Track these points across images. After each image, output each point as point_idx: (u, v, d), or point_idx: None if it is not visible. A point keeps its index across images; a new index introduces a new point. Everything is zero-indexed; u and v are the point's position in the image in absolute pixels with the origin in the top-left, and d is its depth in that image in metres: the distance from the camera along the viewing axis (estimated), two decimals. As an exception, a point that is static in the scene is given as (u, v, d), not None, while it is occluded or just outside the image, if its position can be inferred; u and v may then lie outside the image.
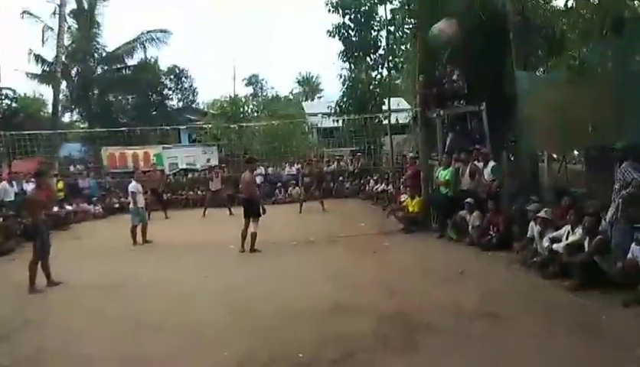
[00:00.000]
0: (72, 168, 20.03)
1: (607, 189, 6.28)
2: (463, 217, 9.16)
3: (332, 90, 55.93)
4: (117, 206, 16.91)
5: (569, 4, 6.58)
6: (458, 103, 10.80)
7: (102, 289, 6.93)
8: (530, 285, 6.25)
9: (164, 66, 29.38)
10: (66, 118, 27.68)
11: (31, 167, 13.31)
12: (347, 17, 20.43)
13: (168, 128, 23.05)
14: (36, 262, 7.03)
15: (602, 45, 7.01)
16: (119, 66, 26.86)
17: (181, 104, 30.57)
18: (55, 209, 13.13)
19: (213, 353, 4.52)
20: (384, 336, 4.67)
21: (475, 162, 9.56)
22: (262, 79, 47.04)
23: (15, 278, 7.51)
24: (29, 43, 37.16)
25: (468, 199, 9.08)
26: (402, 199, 11.86)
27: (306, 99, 47.70)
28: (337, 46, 20.87)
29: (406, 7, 13.97)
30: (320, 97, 49.61)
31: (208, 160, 19.53)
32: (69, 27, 24.60)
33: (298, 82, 54.74)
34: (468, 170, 9.55)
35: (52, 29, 23.17)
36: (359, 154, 19.98)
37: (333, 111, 21.90)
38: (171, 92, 30.11)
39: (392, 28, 19.52)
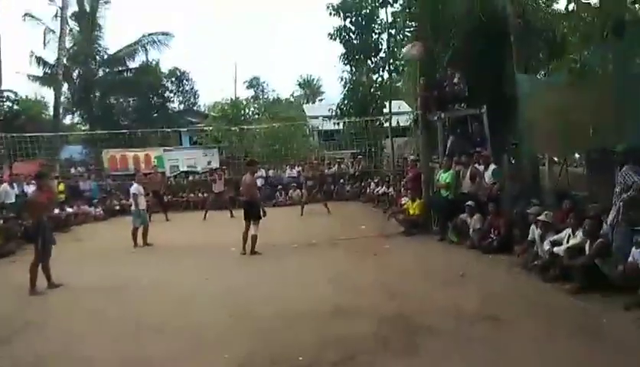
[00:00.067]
0: (73, 170, 20.07)
1: (608, 192, 6.26)
2: (464, 220, 9.15)
3: (333, 93, 56.07)
4: (118, 208, 16.95)
5: (570, 8, 6.59)
6: (458, 106, 10.82)
7: (103, 291, 6.94)
8: (530, 288, 6.24)
9: (165, 68, 29.45)
10: (68, 120, 27.77)
11: (32, 169, 13.35)
12: (348, 20, 20.46)
13: (169, 130, 23.06)
14: (37, 264, 7.03)
15: (603, 48, 7.03)
16: (120, 68, 26.92)
17: (182, 106, 30.58)
18: (56, 211, 13.14)
19: (213, 355, 4.52)
20: (385, 339, 4.67)
21: (476, 165, 9.56)
22: (264, 82, 47.00)
23: (16, 280, 7.51)
24: (31, 45, 37.05)
25: (469, 202, 9.07)
26: (403, 202, 11.86)
27: (307, 102, 47.69)
28: (339, 48, 20.92)
29: (407, 10, 13.98)
30: (321, 100, 49.62)
31: (209, 163, 19.58)
32: (70, 30, 24.68)
33: (299, 84, 54.75)
34: (468, 173, 9.56)
35: (54, 31, 23.26)
36: (360, 156, 19.98)
37: (334, 113, 21.93)
38: (172, 95, 30.12)
39: (393, 31, 19.50)
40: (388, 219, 11.91)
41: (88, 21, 25.28)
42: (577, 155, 14.09)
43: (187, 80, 30.62)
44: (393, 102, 19.02)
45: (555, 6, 11.59)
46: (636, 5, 7.16)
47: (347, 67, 21.50)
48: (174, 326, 5.36)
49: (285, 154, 21.02)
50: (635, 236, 5.53)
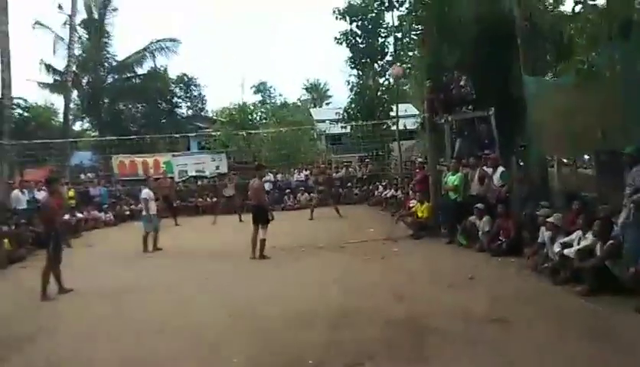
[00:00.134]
0: (83, 176, 20.23)
1: (618, 193, 6.24)
2: (473, 223, 9.12)
3: (340, 97, 55.84)
4: (128, 213, 17.09)
5: (577, 9, 6.58)
6: (466, 108, 10.80)
7: (114, 296, 6.96)
8: (541, 291, 6.20)
9: (173, 74, 29.75)
10: (77, 126, 28.14)
11: (42, 175, 13.48)
12: (355, 24, 20.55)
13: (177, 135, 23.27)
14: (49, 270, 7.09)
15: (610, 49, 6.99)
16: (128, 75, 27.24)
17: (190, 112, 30.86)
18: (66, 216, 13.24)
19: (219, 358, 4.53)
20: (394, 342, 4.66)
21: (484, 167, 9.53)
22: (271, 87, 47.25)
23: (27, 285, 7.58)
24: (40, 53, 37.76)
25: (478, 205, 9.04)
26: (411, 205, 11.83)
27: (314, 106, 47.86)
28: (345, 53, 21.00)
29: (414, 13, 14.01)
30: (328, 104, 49.79)
31: (217, 168, 19.68)
32: (79, 37, 25.01)
33: (306, 88, 54.99)
34: (477, 175, 9.53)
35: (63, 39, 23.58)
36: (367, 160, 19.99)
37: (341, 117, 21.98)
38: (180, 101, 30.42)
39: (399, 35, 19.60)
40: (396, 222, 11.90)
41: (96, 29, 25.64)
42: (587, 157, 14.01)
43: (195, 86, 30.90)
44: (400, 105, 19.06)
45: (562, 8, 11.56)
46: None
47: (354, 71, 21.58)
48: (189, 330, 5.35)
49: (292, 159, 21.08)
50: (645, 238, 5.48)
